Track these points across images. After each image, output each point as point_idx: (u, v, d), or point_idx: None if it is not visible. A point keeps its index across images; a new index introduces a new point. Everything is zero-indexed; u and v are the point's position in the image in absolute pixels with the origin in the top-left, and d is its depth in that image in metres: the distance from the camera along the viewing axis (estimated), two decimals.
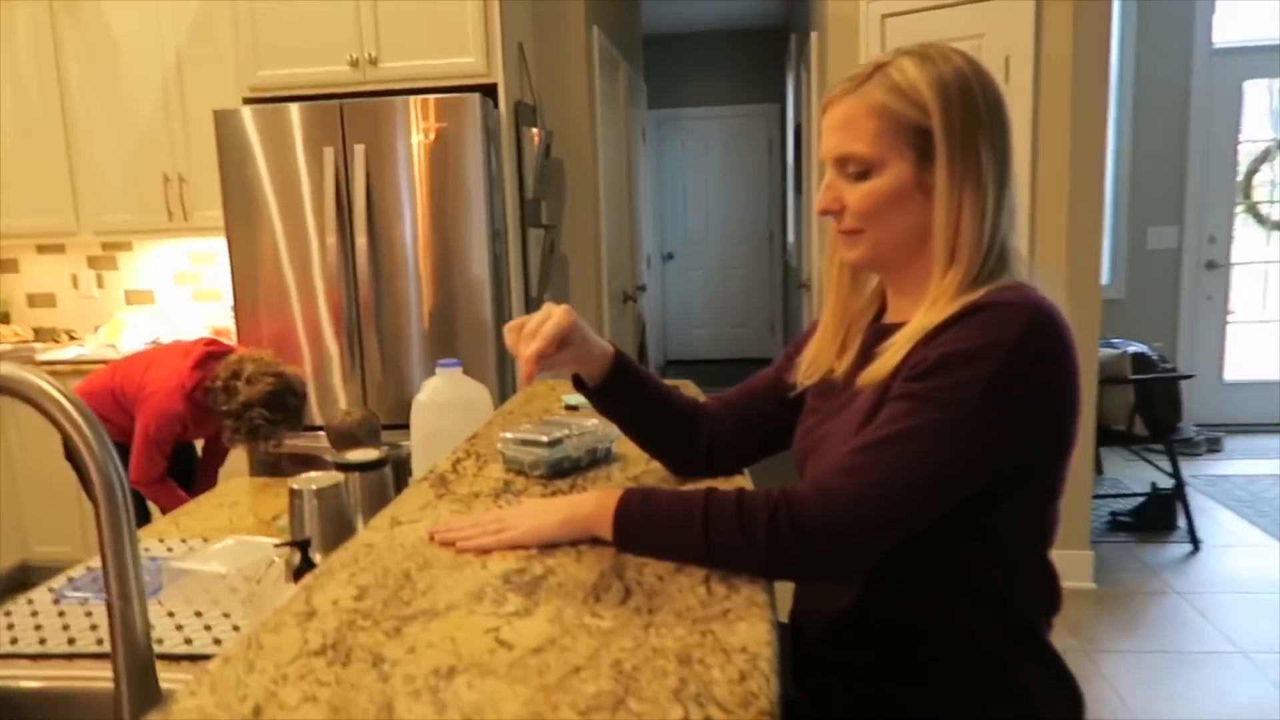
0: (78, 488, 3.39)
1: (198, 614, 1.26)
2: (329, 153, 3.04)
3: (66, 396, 0.77)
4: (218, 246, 3.75)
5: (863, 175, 0.98)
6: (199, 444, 2.79)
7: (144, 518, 2.49)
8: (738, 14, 6.89)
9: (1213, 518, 3.92)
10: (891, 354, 0.95)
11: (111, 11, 3.55)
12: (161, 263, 4.02)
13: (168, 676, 0.96)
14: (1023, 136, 3.05)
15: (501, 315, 3.22)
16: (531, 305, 3.58)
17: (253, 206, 3.14)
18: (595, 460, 1.27)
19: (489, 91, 3.18)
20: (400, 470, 1.35)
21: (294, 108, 3.07)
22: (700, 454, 1.19)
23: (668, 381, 1.28)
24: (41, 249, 4.06)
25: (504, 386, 3.26)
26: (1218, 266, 5.12)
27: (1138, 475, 4.34)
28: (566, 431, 1.23)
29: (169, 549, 1.54)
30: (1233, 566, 3.47)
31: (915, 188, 0.96)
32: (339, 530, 1.14)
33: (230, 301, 3.32)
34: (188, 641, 1.18)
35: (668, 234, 7.89)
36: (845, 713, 1.00)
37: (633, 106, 5.36)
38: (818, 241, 4.35)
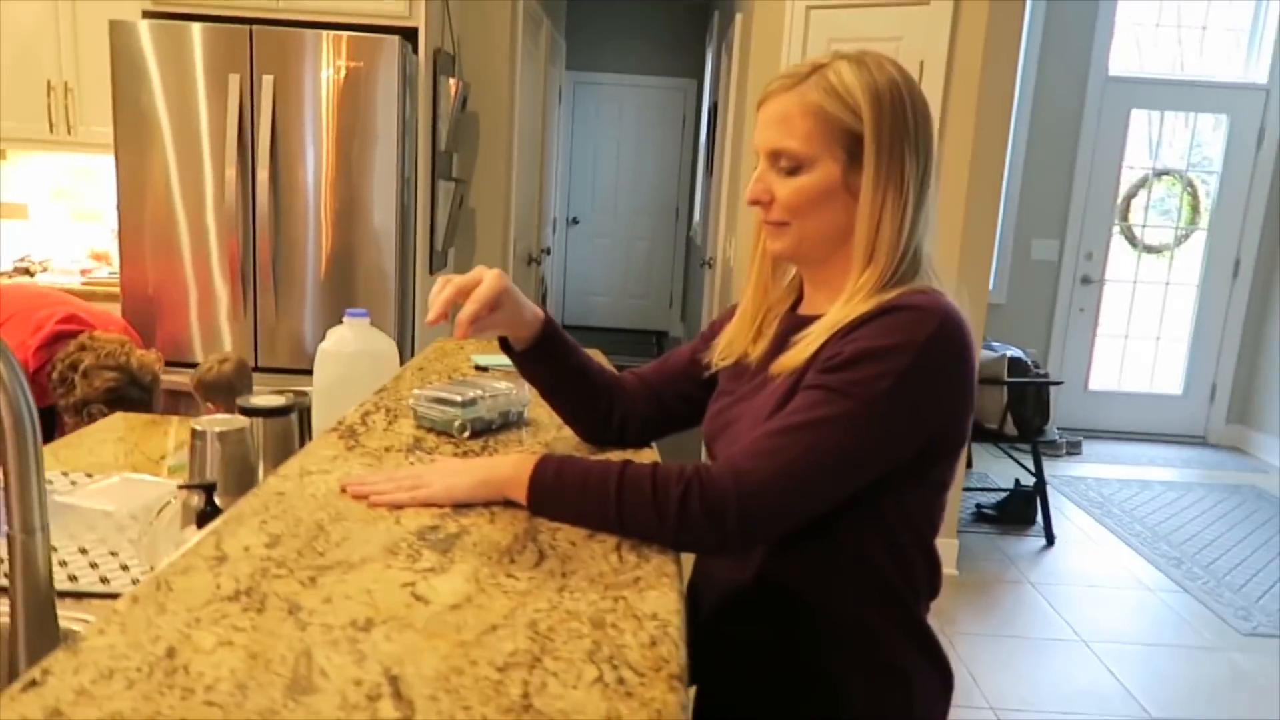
0: None
1: (82, 551, 1.22)
2: (234, 80, 2.92)
3: None
4: (102, 164, 3.55)
5: (794, 171, 1.01)
6: None
7: None
8: None
9: (1067, 516, 4.20)
10: (806, 344, 1.00)
11: None
12: (38, 176, 3.78)
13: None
14: None
15: (406, 267, 3.17)
16: (436, 259, 3.53)
17: (145, 127, 2.98)
18: (507, 423, 1.28)
19: (409, 36, 3.10)
20: (305, 419, 1.34)
21: (196, 27, 2.92)
22: (614, 426, 1.22)
23: None
24: None
25: (404, 340, 3.22)
26: (1092, 282, 5.43)
27: (1004, 471, 4.60)
28: (480, 392, 1.24)
29: (49, 482, 1.48)
30: (1081, 562, 3.73)
31: (842, 188, 1.00)
32: (242, 476, 1.12)
33: (113, 225, 3.16)
34: (72, 579, 1.15)
35: (575, 199, 7.86)
36: (732, 685, 1.06)
37: (552, 65, 5.30)
38: (724, 223, 4.42)
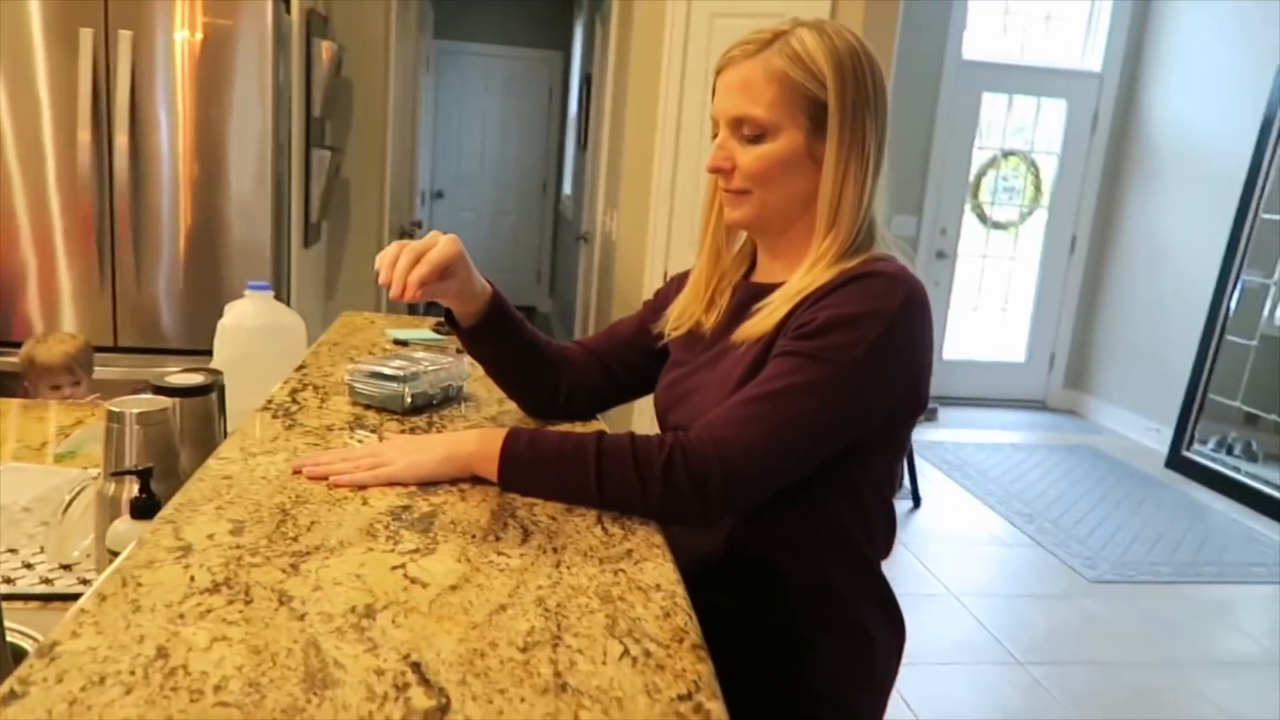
0: None
1: None
2: (86, 35, 2.66)
3: None
4: None
5: (757, 139, 1.01)
6: None
7: None
8: None
9: (929, 479, 4.43)
10: (769, 312, 1.00)
11: None
12: None
13: None
14: None
15: (281, 239, 3.00)
16: (311, 232, 3.36)
17: None
18: (448, 398, 1.24)
19: None
20: (223, 399, 1.24)
21: None
22: (561, 399, 1.19)
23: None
24: None
25: None
26: (946, 256, 5.72)
27: None
28: (420, 367, 1.19)
29: None
30: (946, 521, 3.95)
31: (805, 156, 1.01)
32: (166, 462, 1.03)
33: None
34: None
35: (439, 171, 7.64)
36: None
37: (421, 32, 5.12)
38: (604, 197, 4.40)
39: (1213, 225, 4.73)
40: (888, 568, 1.08)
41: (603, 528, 0.88)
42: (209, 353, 1.59)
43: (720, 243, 1.13)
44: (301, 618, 0.66)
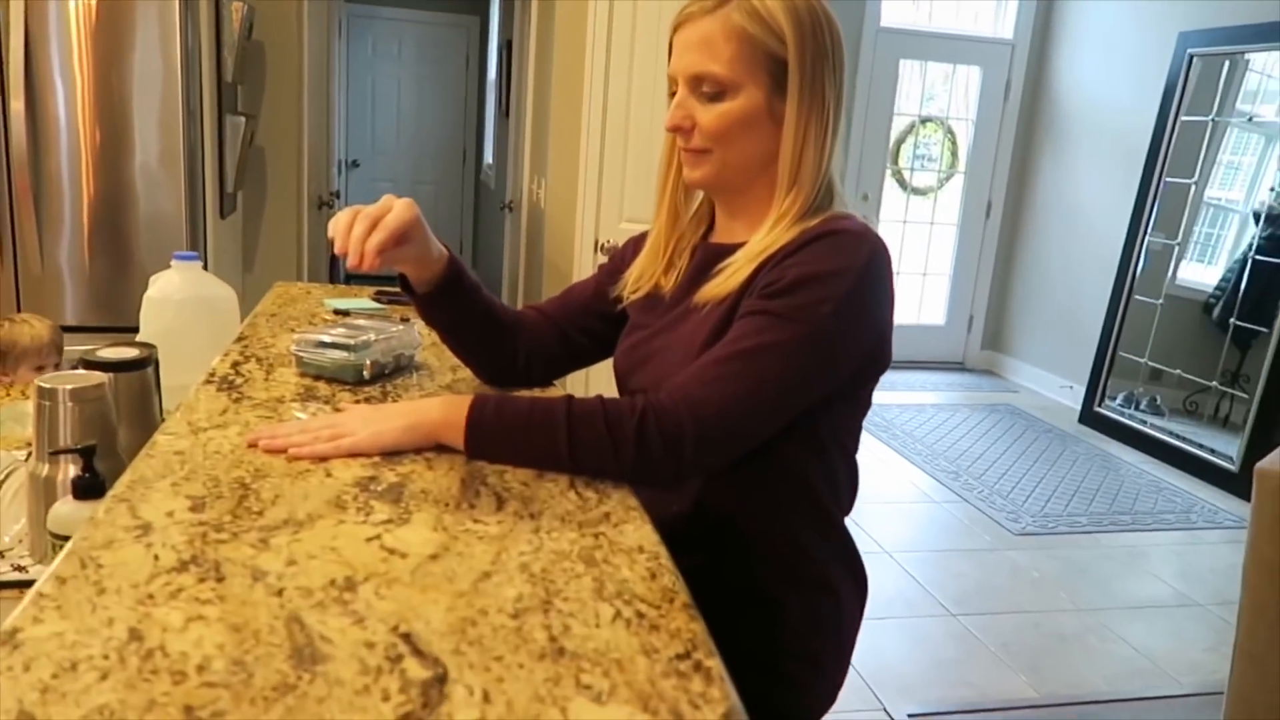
0: None
1: None
2: None
3: None
4: None
5: (717, 97, 0.99)
6: None
7: None
8: None
9: None
10: (732, 272, 0.99)
11: None
12: None
13: None
14: None
15: (195, 208, 2.88)
16: (227, 202, 3.23)
17: None
18: (400, 367, 1.20)
19: None
20: (158, 373, 1.18)
21: None
22: (518, 366, 1.17)
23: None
24: None
25: None
26: (869, 222, 5.80)
27: None
28: (370, 336, 1.15)
29: None
30: (876, 481, 4.04)
31: (766, 114, 1.00)
32: (104, 439, 0.98)
33: None
34: None
35: (353, 141, 7.42)
36: None
37: None
38: (529, 165, 4.33)
39: (1120, 189, 4.91)
40: None
41: (576, 492, 0.86)
42: (121, 329, 1.52)
43: (678, 203, 1.12)
44: (279, 593, 0.63)
